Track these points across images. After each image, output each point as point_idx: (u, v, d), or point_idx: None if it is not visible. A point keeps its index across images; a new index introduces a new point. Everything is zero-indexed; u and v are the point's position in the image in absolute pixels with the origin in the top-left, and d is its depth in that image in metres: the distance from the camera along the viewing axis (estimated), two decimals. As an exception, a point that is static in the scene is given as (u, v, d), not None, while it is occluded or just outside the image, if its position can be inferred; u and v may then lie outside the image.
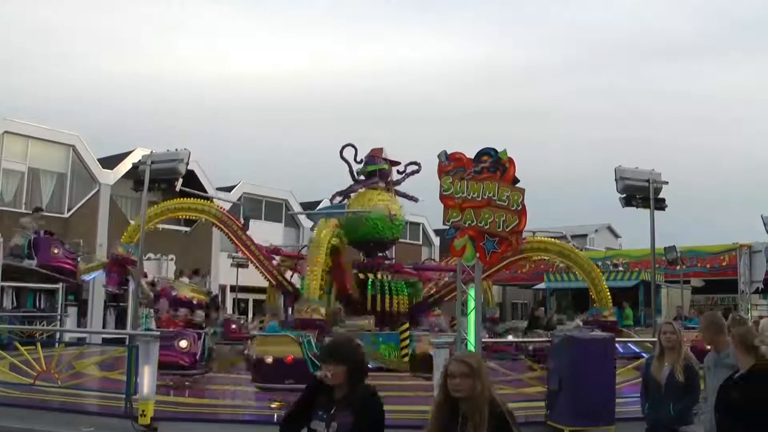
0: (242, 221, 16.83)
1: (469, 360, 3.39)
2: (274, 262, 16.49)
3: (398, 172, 16.91)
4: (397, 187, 16.91)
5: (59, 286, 21.15)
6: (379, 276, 15.74)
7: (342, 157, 16.35)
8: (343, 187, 16.94)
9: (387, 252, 17.60)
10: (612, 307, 16.20)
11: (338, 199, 17.33)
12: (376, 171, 16.32)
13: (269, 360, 9.78)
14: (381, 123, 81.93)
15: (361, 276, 15.88)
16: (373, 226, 15.74)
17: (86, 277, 18.17)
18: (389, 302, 15.08)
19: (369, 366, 3.76)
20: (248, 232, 16.31)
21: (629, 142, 79.78)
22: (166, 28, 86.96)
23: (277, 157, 78.74)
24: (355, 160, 16.48)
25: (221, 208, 16.49)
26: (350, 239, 16.46)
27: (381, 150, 16.53)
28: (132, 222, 23.92)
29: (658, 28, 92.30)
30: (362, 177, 16.61)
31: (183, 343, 10.94)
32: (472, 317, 6.98)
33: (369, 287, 15.33)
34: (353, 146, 16.43)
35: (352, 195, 16.81)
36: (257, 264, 15.98)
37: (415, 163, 16.75)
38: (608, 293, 15.96)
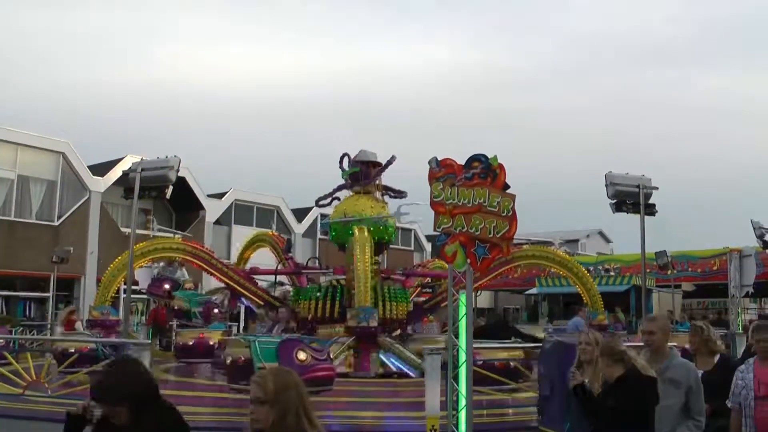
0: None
1: (262, 381, 2.64)
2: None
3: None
4: (387, 184, 16.07)
5: (49, 294, 21.00)
6: (325, 282, 15.51)
7: (341, 167, 15.94)
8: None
9: (379, 256, 17.28)
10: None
11: (323, 208, 17.72)
12: (347, 176, 16.04)
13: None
14: (379, 126, 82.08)
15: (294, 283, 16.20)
16: (333, 231, 15.66)
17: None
18: (315, 307, 14.50)
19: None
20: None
21: (622, 146, 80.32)
22: (160, 32, 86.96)
23: (270, 164, 78.78)
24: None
25: (187, 241, 16.59)
26: None
27: (358, 154, 16.07)
28: (123, 229, 23.97)
29: (651, 34, 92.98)
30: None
31: None
32: (463, 323, 6.94)
33: (302, 294, 15.23)
34: (349, 156, 16.14)
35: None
36: (240, 290, 15.52)
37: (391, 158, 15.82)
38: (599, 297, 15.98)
